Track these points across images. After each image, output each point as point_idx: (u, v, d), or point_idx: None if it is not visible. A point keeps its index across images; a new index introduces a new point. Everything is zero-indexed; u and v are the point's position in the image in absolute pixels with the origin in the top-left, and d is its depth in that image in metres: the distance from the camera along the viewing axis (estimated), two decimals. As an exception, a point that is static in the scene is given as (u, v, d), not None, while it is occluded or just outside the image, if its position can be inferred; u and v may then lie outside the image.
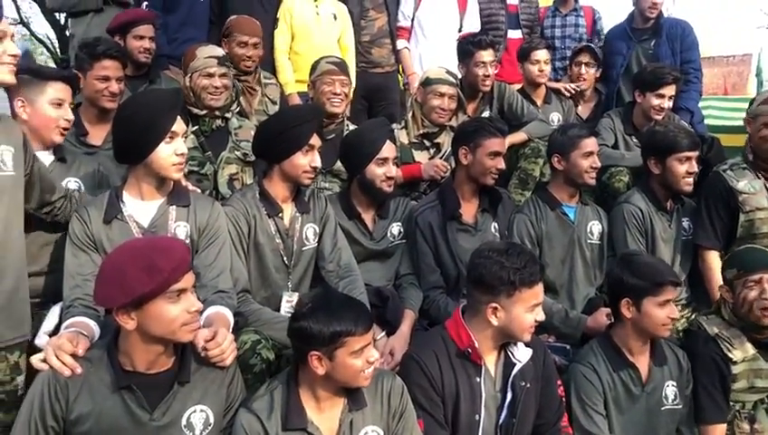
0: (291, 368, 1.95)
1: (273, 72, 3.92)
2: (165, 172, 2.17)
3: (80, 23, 3.98)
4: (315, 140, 2.48)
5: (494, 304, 2.04)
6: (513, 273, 2.01)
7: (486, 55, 3.56)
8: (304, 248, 2.55)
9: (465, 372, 2.10)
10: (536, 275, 2.03)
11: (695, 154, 2.97)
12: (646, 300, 2.32)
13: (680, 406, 2.41)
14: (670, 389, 2.40)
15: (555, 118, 4.05)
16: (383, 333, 2.56)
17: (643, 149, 3.13)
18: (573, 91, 4.14)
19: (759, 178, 2.90)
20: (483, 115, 3.60)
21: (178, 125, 2.17)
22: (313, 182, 2.92)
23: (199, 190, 2.59)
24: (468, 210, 2.92)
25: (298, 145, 2.44)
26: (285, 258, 2.51)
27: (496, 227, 2.95)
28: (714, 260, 2.93)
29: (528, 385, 2.13)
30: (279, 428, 1.85)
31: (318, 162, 2.48)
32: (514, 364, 2.12)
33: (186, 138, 2.46)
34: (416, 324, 2.66)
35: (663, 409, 2.39)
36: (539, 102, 4.00)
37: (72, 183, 2.54)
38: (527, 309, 2.04)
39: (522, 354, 2.12)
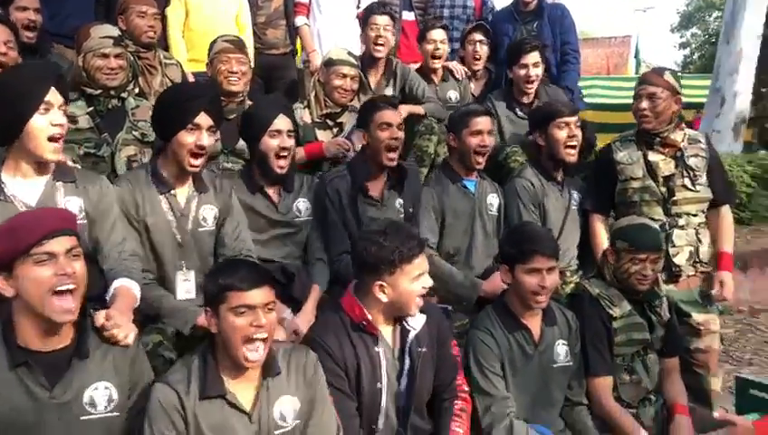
0: (207, 340, 1.98)
1: (167, 50, 3.83)
2: (40, 151, 2.06)
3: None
4: (203, 120, 2.41)
5: (379, 283, 2.16)
6: (392, 252, 2.12)
7: (380, 19, 3.67)
8: (201, 229, 2.51)
9: (364, 344, 2.21)
10: (415, 250, 2.16)
11: (573, 119, 3.16)
12: (517, 267, 2.48)
13: (570, 363, 2.61)
14: (561, 347, 2.59)
15: (453, 96, 4.17)
16: (288, 311, 2.61)
17: (529, 127, 3.33)
18: (464, 75, 4.26)
19: (641, 150, 3.13)
20: (385, 93, 3.71)
21: (53, 96, 2.06)
22: (214, 163, 2.91)
23: (79, 166, 2.49)
24: (376, 185, 3.01)
25: (182, 123, 2.39)
26: (179, 237, 2.46)
27: (401, 203, 3.05)
28: (597, 224, 3.18)
29: (424, 350, 2.26)
30: (196, 398, 1.87)
31: (205, 141, 2.40)
32: (409, 332, 2.24)
33: (69, 114, 2.33)
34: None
35: (555, 366, 2.57)
36: (436, 80, 4.11)
37: None
38: (411, 280, 2.16)
39: (416, 322, 2.25)
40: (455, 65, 4.26)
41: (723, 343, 5.33)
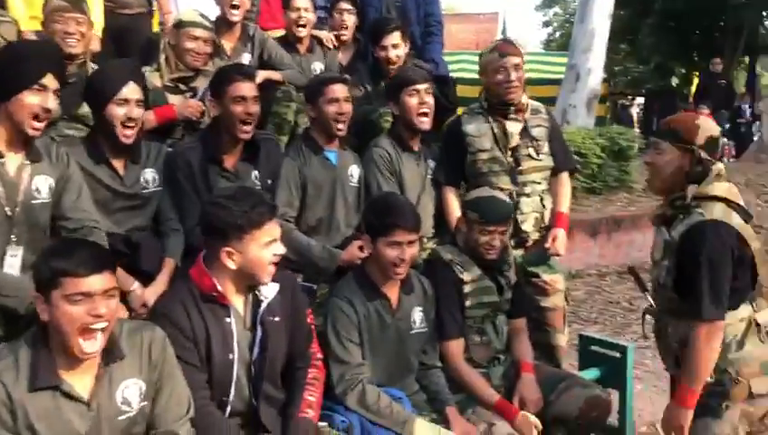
0: (37, 324, 1.82)
1: (3, 7, 3.51)
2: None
3: None
4: (50, 81, 2.24)
5: (227, 249, 2.10)
6: (240, 216, 2.07)
7: None
8: (34, 201, 2.30)
9: (214, 315, 2.15)
10: (265, 215, 2.12)
11: (423, 87, 3.16)
12: (378, 239, 2.51)
13: (426, 329, 2.68)
14: (417, 314, 2.66)
15: (318, 67, 4.06)
16: (137, 284, 2.50)
17: (386, 96, 3.34)
18: (335, 44, 4.20)
19: (489, 122, 3.23)
20: (242, 60, 3.59)
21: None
22: (53, 129, 2.71)
23: None
24: (229, 157, 2.91)
25: (26, 82, 2.20)
26: (7, 209, 2.25)
27: (257, 175, 2.97)
28: (449, 196, 3.25)
29: (277, 319, 2.24)
30: (25, 389, 1.74)
31: (51, 104, 2.24)
32: (262, 301, 2.21)
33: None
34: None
35: (411, 333, 2.64)
36: (302, 51, 4.01)
37: None
38: (262, 247, 2.12)
39: (268, 291, 2.21)
40: (323, 34, 4.18)
41: (570, 303, 5.76)
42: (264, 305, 2.21)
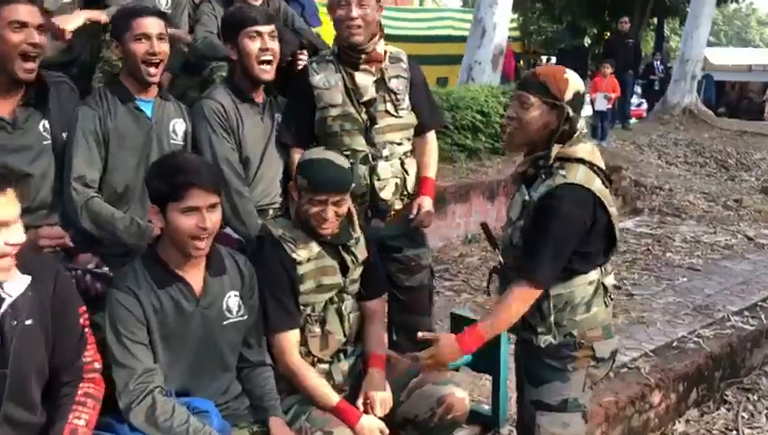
0: None
1: None
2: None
3: None
4: None
5: None
6: None
7: None
8: None
9: None
10: None
11: (267, 29, 2.61)
12: (170, 206, 1.99)
13: (245, 317, 2.19)
14: (232, 300, 2.16)
15: (164, 2, 3.45)
16: None
17: (222, 37, 2.77)
18: None
19: (340, 72, 2.71)
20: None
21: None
22: None
23: None
24: (5, 104, 2.29)
25: None
26: None
27: (47, 125, 2.37)
28: (296, 159, 2.68)
29: (29, 322, 1.70)
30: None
31: None
32: (3, 299, 1.66)
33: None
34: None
35: (225, 323, 2.14)
36: None
37: None
38: None
39: (13, 286, 1.67)
40: None
41: (463, 272, 5.45)
42: (4, 306, 1.67)
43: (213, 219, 2.00)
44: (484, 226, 2.48)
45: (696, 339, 4.11)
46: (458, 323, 2.91)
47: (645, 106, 15.26)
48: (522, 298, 2.08)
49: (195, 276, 2.09)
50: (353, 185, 2.43)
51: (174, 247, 2.04)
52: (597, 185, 2.08)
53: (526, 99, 2.07)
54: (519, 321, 2.15)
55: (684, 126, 12.10)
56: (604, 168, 2.15)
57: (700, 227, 7.06)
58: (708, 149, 10.74)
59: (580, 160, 2.08)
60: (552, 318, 2.13)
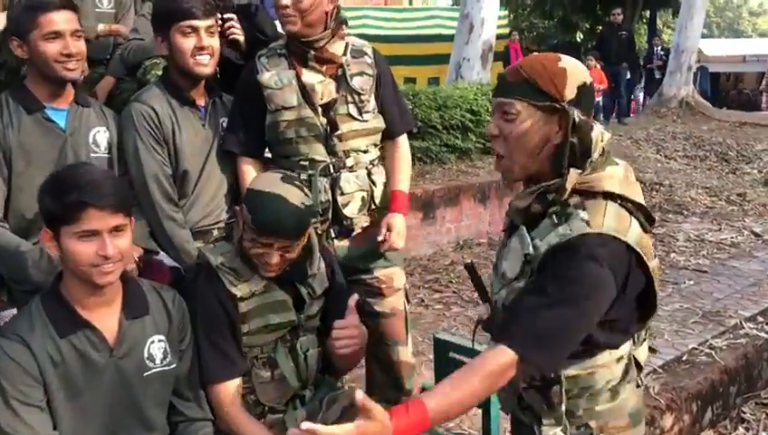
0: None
1: None
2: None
3: None
4: None
5: None
6: None
7: None
8: None
9: None
10: None
11: (205, 24, 2.23)
12: (64, 231, 1.62)
13: (173, 365, 1.81)
14: (156, 346, 1.78)
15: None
16: None
17: (153, 29, 2.39)
18: None
19: (293, 68, 2.33)
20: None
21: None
22: None
23: None
24: None
25: None
26: None
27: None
28: (245, 170, 2.32)
29: None
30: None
31: None
32: None
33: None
34: None
35: (147, 374, 1.76)
36: None
37: None
38: None
39: None
40: None
41: (454, 282, 5.09)
42: None
43: (119, 245, 1.63)
44: (470, 267, 1.74)
45: (707, 351, 3.75)
46: (441, 349, 2.56)
47: (641, 99, 14.91)
48: (499, 373, 1.38)
49: (107, 319, 1.71)
50: (309, 227, 2.01)
51: (76, 279, 1.66)
52: (633, 233, 1.45)
53: (510, 107, 1.46)
54: (512, 397, 1.62)
55: (681, 118, 11.76)
56: (642, 200, 1.50)
57: (704, 225, 6.70)
58: (708, 142, 10.39)
59: (609, 195, 1.46)
60: (563, 407, 1.53)
